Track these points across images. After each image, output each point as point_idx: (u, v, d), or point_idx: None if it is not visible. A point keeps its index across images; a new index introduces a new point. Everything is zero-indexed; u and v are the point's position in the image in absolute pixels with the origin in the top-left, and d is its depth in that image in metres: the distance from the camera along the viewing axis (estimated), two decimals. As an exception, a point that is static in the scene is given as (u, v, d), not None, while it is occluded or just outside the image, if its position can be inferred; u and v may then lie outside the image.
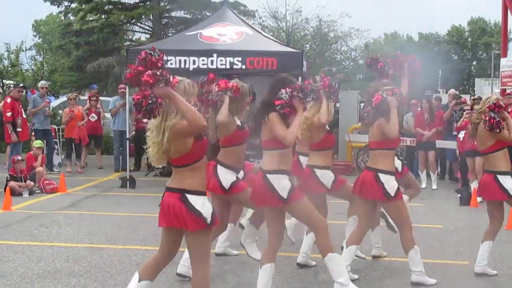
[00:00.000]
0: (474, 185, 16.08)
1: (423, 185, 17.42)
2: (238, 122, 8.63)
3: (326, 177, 9.24)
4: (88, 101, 22.54)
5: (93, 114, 21.88)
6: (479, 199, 15.56)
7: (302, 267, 9.44)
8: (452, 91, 21.67)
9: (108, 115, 22.63)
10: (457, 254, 10.68)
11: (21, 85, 20.52)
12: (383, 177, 8.54)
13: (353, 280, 8.75)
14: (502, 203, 9.40)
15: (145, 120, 20.41)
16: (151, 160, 6.43)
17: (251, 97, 9.01)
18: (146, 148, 6.35)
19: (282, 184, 7.56)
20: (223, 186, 8.57)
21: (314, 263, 9.43)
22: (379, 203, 8.92)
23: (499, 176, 9.11)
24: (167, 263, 6.75)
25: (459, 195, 16.03)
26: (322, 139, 9.23)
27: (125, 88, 19.58)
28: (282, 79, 7.90)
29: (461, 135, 17.02)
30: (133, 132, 20.73)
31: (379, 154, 8.65)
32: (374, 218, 9.79)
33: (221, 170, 8.61)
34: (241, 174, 8.94)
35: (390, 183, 8.53)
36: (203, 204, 6.24)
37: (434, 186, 18.12)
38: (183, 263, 8.48)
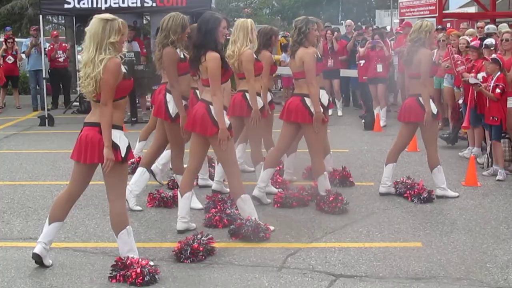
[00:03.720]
0: (377, 111, 16.31)
1: (330, 113, 17.53)
2: (181, 55, 8.39)
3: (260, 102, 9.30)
4: (4, 43, 21.87)
5: (9, 56, 21.18)
6: (382, 123, 15.84)
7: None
8: (348, 21, 21.49)
9: (23, 56, 22.07)
10: (363, 176, 10.88)
11: None
12: (308, 101, 8.70)
13: (266, 204, 9.00)
14: (416, 127, 9.42)
15: (61, 60, 20.26)
16: (84, 93, 6.36)
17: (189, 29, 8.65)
18: (79, 83, 6.29)
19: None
20: (169, 114, 8.47)
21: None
22: (303, 126, 8.90)
23: (421, 99, 9.16)
24: (79, 196, 6.74)
25: (363, 120, 16.24)
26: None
27: (37, 29, 19.10)
28: (207, 19, 7.59)
29: (362, 61, 17.13)
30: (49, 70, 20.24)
31: (304, 82, 8.75)
32: (294, 144, 9.90)
33: (169, 97, 8.45)
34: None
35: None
36: (120, 138, 6.29)
37: (340, 113, 18.23)
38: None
